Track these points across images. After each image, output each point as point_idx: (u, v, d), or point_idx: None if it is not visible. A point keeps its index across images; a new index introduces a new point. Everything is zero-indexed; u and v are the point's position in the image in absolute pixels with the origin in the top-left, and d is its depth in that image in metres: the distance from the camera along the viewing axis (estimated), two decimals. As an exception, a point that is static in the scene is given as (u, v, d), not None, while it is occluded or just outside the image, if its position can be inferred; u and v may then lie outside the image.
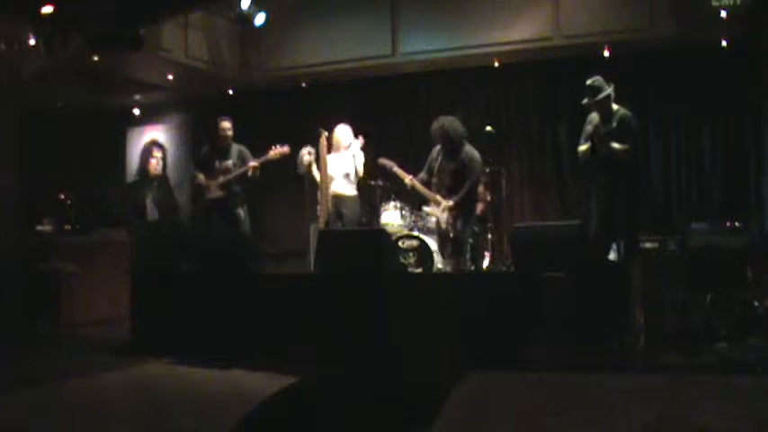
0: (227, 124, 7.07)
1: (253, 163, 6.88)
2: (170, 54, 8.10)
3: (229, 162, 7.00)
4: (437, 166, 6.38)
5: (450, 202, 6.24)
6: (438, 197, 6.31)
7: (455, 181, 6.30)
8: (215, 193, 7.01)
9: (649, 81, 7.87)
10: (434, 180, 6.38)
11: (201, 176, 7.12)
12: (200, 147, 7.39)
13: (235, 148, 7.08)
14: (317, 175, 6.90)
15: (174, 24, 7.99)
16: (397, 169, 6.66)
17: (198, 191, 7.17)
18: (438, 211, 6.30)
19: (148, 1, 6.65)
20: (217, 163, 7.06)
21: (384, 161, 6.74)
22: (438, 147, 6.46)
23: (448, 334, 4.99)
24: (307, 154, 6.83)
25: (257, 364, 5.07)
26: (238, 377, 4.97)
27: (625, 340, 5.00)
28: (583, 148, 5.85)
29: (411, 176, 6.44)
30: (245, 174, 6.92)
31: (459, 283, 5.49)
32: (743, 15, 6.69)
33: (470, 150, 6.38)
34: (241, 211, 7.04)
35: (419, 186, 6.39)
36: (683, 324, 5.27)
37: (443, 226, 6.29)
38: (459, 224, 6.31)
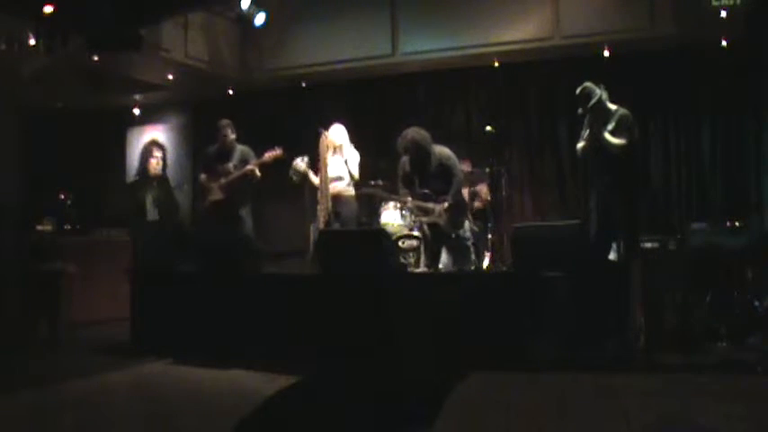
0: (227, 127, 7.07)
1: (249, 166, 6.89)
2: (170, 54, 8.09)
3: (230, 165, 7.00)
4: (417, 177, 6.39)
5: (446, 204, 6.26)
6: (430, 204, 6.33)
7: (443, 183, 6.33)
8: (216, 195, 7.01)
9: (649, 81, 7.86)
10: (422, 191, 6.36)
11: (204, 177, 7.14)
12: (205, 147, 7.35)
13: (238, 149, 7.08)
14: (314, 179, 6.91)
15: (174, 24, 7.98)
16: (385, 194, 6.74)
17: (201, 192, 7.17)
18: (435, 217, 6.32)
19: (148, 1, 6.65)
20: (219, 165, 7.07)
21: (367, 191, 6.74)
22: (404, 159, 6.43)
23: (448, 334, 4.99)
24: (300, 161, 6.84)
25: (257, 364, 5.08)
26: (238, 377, 4.97)
27: (625, 340, 5.00)
28: (580, 144, 5.86)
29: (410, 198, 6.43)
30: (244, 176, 6.92)
31: (459, 283, 5.49)
32: (743, 15, 6.69)
33: (440, 149, 6.37)
34: (243, 212, 7.03)
35: (420, 203, 6.40)
36: (683, 324, 5.28)
37: (445, 228, 6.30)
38: (459, 222, 6.34)
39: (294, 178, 6.97)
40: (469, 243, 6.49)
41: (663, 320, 5.29)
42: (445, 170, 6.30)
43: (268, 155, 6.84)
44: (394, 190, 7.63)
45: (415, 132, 6.29)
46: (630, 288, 5.16)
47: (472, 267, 6.34)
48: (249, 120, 8.46)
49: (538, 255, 5.16)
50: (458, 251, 6.39)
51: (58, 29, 6.32)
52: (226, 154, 7.08)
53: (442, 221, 6.28)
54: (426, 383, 4.53)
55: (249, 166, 6.89)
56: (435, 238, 6.43)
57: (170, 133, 10.28)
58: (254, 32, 8.52)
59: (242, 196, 7.05)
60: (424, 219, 6.42)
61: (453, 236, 6.31)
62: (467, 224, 6.49)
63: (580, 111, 5.76)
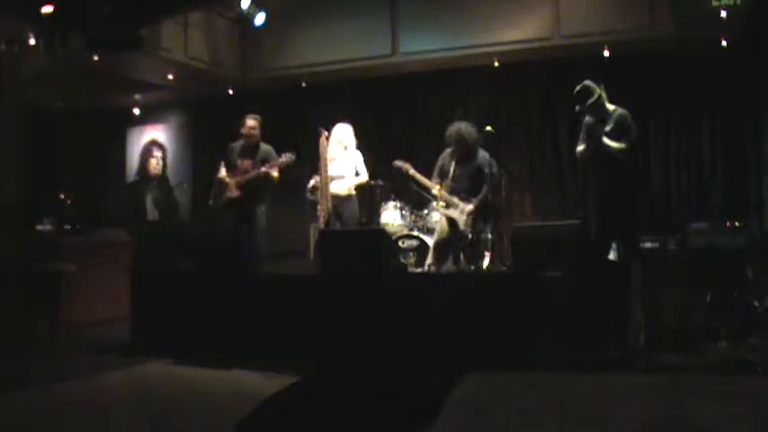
0: (251, 122, 6.93)
1: (263, 168, 6.80)
2: (170, 54, 8.10)
3: (249, 162, 6.91)
4: (452, 170, 6.41)
5: (471, 207, 6.29)
6: (456, 199, 6.35)
7: (473, 184, 6.38)
8: (233, 192, 6.92)
9: (649, 81, 7.85)
10: (452, 184, 6.40)
11: (223, 171, 7.02)
12: (229, 144, 7.23)
13: (262, 148, 6.95)
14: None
15: (174, 24, 7.99)
16: (414, 173, 6.64)
17: (218, 185, 7.05)
18: (457, 213, 6.34)
19: (148, 1, 6.65)
20: (239, 161, 6.99)
21: (399, 164, 6.72)
22: (448, 150, 6.49)
23: (448, 334, 4.99)
24: (315, 181, 6.88)
25: (257, 364, 5.08)
26: (238, 377, 4.97)
27: (625, 340, 5.00)
28: (580, 148, 5.86)
29: (439, 186, 6.43)
30: (259, 177, 6.83)
31: (459, 283, 5.49)
32: (743, 15, 6.68)
33: (485, 155, 6.44)
34: (259, 211, 6.97)
35: (446, 195, 6.40)
36: (683, 324, 5.27)
37: (462, 228, 6.32)
38: (478, 226, 6.38)
39: (309, 196, 6.98)
40: (482, 247, 6.53)
41: (663, 320, 5.29)
42: (481, 175, 6.36)
43: (282, 160, 6.75)
44: (394, 189, 7.67)
45: (463, 126, 6.39)
46: (630, 288, 5.16)
47: (484, 266, 6.38)
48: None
49: (538, 255, 5.17)
50: (473, 250, 6.42)
51: (58, 29, 6.32)
52: (249, 150, 6.97)
53: (461, 220, 6.31)
54: (426, 383, 4.53)
55: (263, 169, 6.79)
56: (452, 232, 6.44)
57: (170, 133, 10.28)
58: (254, 32, 8.52)
59: (259, 195, 6.97)
60: (445, 211, 6.44)
61: (471, 236, 6.34)
62: (487, 230, 6.53)
63: (578, 108, 5.77)
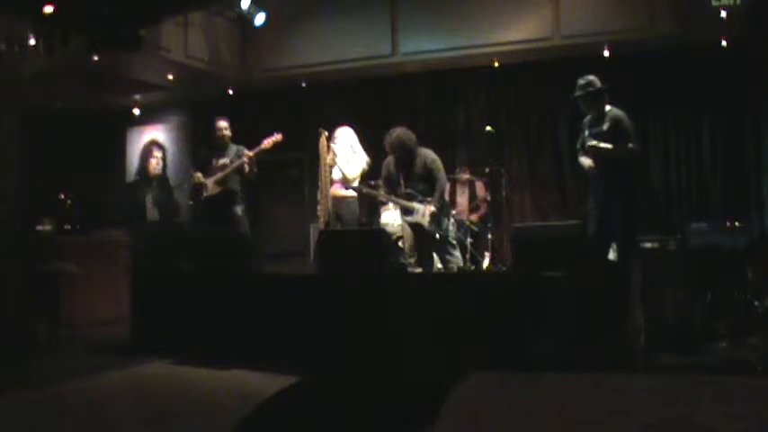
0: (223, 123, 7.10)
1: (248, 152, 6.87)
2: (170, 54, 8.10)
3: (226, 160, 7.00)
4: (401, 178, 6.45)
5: (432, 208, 6.30)
6: (415, 204, 6.36)
7: (426, 185, 6.42)
8: (212, 190, 7.00)
9: (649, 81, 7.87)
10: (407, 190, 6.43)
11: (199, 175, 7.12)
12: (199, 147, 7.38)
13: (233, 147, 7.10)
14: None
15: (174, 24, 7.99)
16: (367, 190, 6.81)
17: (196, 189, 7.15)
18: (419, 216, 6.37)
19: (148, 1, 6.65)
20: (214, 161, 7.07)
21: (354, 186, 6.78)
22: (390, 159, 6.52)
23: (448, 334, 4.99)
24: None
25: (257, 364, 5.08)
26: (238, 377, 4.97)
27: (625, 340, 5.00)
28: (587, 162, 5.84)
29: (384, 193, 6.56)
30: (242, 169, 6.90)
31: (459, 283, 5.49)
32: (743, 15, 6.69)
33: (426, 152, 6.48)
34: (238, 210, 7.02)
35: (396, 200, 6.46)
36: (683, 324, 5.27)
37: (428, 229, 6.35)
38: (442, 224, 6.40)
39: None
40: (454, 241, 6.57)
41: (663, 320, 5.29)
42: (429, 172, 6.40)
43: (267, 141, 6.83)
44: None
45: (401, 132, 6.40)
46: (630, 288, 5.16)
47: (457, 264, 6.39)
48: (249, 120, 8.46)
49: (538, 255, 5.17)
50: (442, 250, 6.44)
51: (58, 29, 6.32)
52: (220, 151, 7.08)
53: (425, 222, 6.33)
54: (426, 383, 4.53)
55: (248, 153, 6.87)
56: (419, 237, 6.48)
57: (170, 133, 10.29)
58: (254, 32, 8.53)
59: (238, 194, 7.04)
60: (408, 218, 6.49)
61: (437, 236, 6.35)
62: (450, 224, 6.55)
63: (576, 94, 5.77)
